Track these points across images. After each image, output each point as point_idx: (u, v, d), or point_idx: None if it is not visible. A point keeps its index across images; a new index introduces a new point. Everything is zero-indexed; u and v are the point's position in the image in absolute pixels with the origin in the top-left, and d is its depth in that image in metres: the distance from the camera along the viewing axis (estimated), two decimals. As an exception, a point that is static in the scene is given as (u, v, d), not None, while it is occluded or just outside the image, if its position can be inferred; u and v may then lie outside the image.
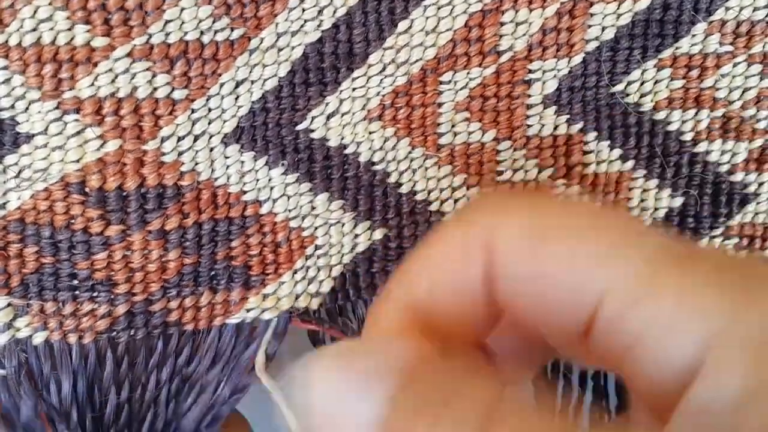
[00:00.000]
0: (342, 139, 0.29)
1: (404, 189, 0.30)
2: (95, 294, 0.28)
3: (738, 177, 0.31)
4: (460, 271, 0.20)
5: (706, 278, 0.17)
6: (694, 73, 0.30)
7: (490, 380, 0.18)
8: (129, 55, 0.26)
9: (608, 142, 0.30)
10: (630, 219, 0.21)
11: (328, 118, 0.29)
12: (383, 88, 0.29)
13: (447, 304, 0.21)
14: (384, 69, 0.29)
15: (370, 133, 0.29)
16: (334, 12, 0.28)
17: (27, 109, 0.27)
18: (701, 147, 0.30)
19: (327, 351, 0.19)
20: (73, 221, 0.28)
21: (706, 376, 0.17)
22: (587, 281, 0.19)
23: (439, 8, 0.28)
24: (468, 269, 0.20)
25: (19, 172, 0.27)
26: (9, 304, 0.28)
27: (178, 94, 0.27)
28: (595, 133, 0.30)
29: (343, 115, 0.29)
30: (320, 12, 0.28)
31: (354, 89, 0.29)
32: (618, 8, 0.29)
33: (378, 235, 0.30)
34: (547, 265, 0.19)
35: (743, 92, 0.30)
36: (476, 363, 0.21)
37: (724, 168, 0.31)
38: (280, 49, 0.28)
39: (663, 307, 0.17)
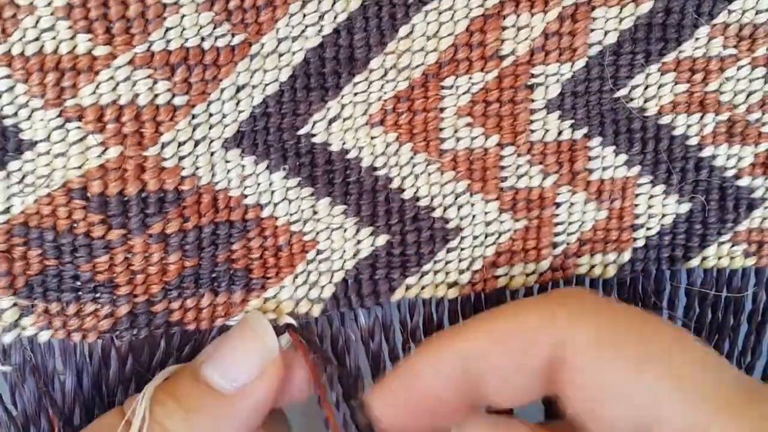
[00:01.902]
0: (344, 144, 0.29)
1: (407, 195, 0.30)
2: (98, 295, 0.28)
3: (744, 182, 0.30)
4: (524, 353, 0.24)
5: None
6: (698, 76, 0.29)
7: None
8: (130, 62, 0.27)
9: (613, 148, 0.30)
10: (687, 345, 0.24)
11: (330, 122, 0.29)
12: (385, 93, 0.29)
13: (505, 370, 0.24)
14: (385, 74, 0.29)
15: (372, 138, 0.29)
16: (335, 17, 0.28)
17: (30, 116, 0.27)
18: (707, 151, 0.30)
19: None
20: (75, 225, 0.28)
21: None
22: (646, 409, 0.21)
23: (440, 13, 0.28)
24: (533, 356, 0.24)
25: (23, 177, 0.27)
26: (15, 304, 0.28)
27: (178, 100, 0.27)
28: (600, 139, 0.30)
29: (344, 120, 0.29)
30: (321, 17, 0.28)
31: (356, 94, 0.29)
32: (620, 12, 0.29)
33: (381, 241, 0.30)
34: (612, 381, 0.22)
35: (748, 95, 0.30)
36: None
37: (731, 172, 0.30)
38: (281, 54, 0.28)
39: None
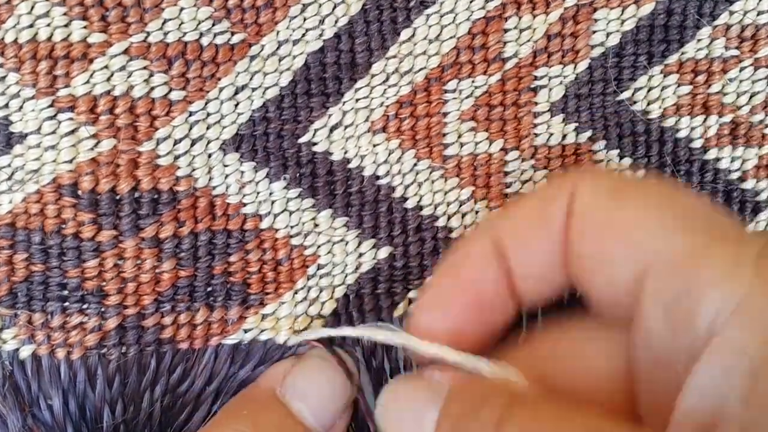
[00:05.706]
0: (345, 152, 0.28)
1: (410, 203, 0.29)
2: (85, 306, 0.27)
3: (749, 184, 0.30)
4: (544, 209, 0.24)
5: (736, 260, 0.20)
6: (701, 78, 0.29)
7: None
8: (126, 52, 0.26)
9: (617, 151, 0.29)
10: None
11: (331, 130, 0.28)
12: (387, 98, 0.28)
13: (527, 238, 0.24)
14: (387, 79, 0.28)
15: (375, 145, 0.28)
16: (336, 21, 0.27)
17: (21, 107, 0.26)
18: (711, 154, 0.30)
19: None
20: (64, 225, 0.26)
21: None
22: (641, 247, 0.22)
23: (441, 16, 0.28)
24: (551, 208, 0.24)
25: (12, 173, 0.26)
26: None
27: (175, 95, 0.26)
28: (604, 142, 0.29)
29: (346, 127, 0.28)
30: (322, 21, 0.27)
31: (357, 100, 0.28)
32: (622, 14, 0.29)
33: (383, 253, 0.29)
34: (614, 221, 0.22)
35: (751, 97, 0.30)
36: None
37: (735, 175, 0.30)
38: (281, 58, 0.27)
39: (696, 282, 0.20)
